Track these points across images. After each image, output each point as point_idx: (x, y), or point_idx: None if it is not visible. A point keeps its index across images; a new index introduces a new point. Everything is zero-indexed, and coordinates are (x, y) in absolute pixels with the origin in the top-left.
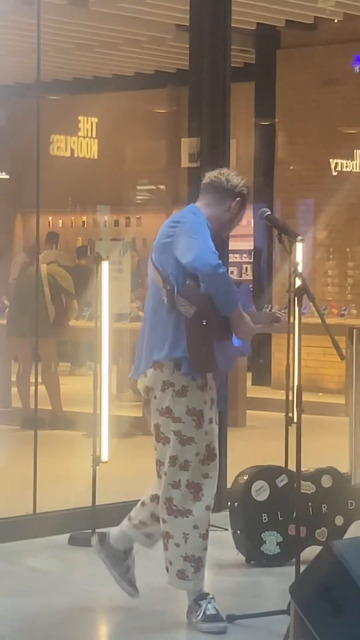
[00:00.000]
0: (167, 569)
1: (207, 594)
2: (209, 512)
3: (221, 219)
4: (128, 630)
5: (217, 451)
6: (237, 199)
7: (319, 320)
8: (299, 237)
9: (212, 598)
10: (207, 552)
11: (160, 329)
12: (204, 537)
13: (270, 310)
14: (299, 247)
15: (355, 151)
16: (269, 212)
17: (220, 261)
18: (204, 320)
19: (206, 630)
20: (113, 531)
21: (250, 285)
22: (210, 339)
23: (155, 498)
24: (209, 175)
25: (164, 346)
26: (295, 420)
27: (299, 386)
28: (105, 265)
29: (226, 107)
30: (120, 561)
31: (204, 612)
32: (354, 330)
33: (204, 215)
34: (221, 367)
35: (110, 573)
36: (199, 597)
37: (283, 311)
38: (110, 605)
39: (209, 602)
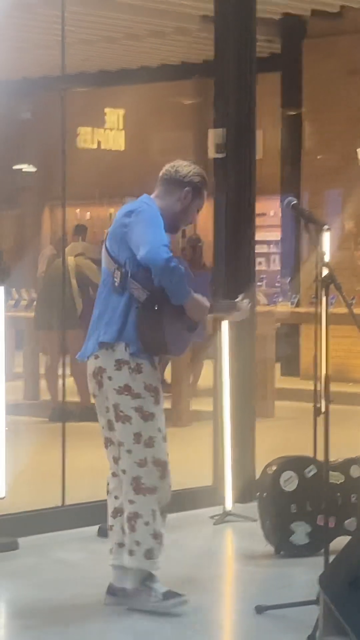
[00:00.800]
0: (130, 552)
1: (153, 575)
2: (170, 488)
3: (173, 209)
4: (158, 621)
5: None
6: (187, 188)
7: (347, 310)
8: (326, 226)
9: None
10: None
11: (110, 312)
12: (165, 510)
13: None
14: (326, 237)
15: None
16: (295, 202)
17: (171, 254)
18: (156, 305)
19: (172, 607)
20: (112, 580)
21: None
22: (161, 323)
23: (117, 512)
24: (163, 169)
25: (113, 328)
26: (323, 410)
27: (326, 376)
28: None
29: (252, 98)
30: (142, 588)
31: (159, 591)
32: None
33: (157, 206)
34: (172, 351)
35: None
36: (149, 578)
37: (245, 300)
38: None
39: (157, 581)
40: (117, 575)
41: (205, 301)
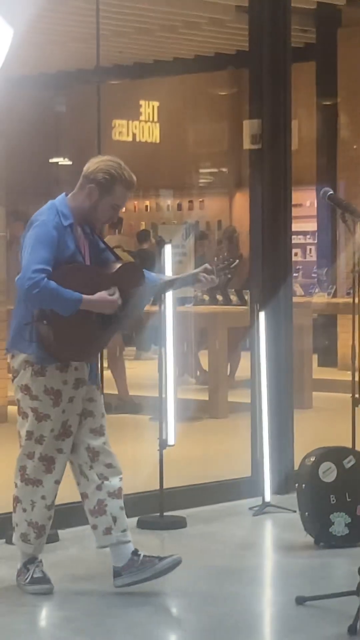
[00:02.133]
0: (14, 528)
1: (36, 559)
2: (57, 485)
3: (83, 207)
4: (198, 612)
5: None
6: (91, 185)
7: None
8: None
9: (40, 562)
10: (51, 521)
11: (17, 320)
12: (50, 507)
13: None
14: None
15: None
16: (332, 192)
17: (34, 279)
18: (44, 320)
19: (32, 592)
20: (112, 562)
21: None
22: (57, 335)
23: (82, 497)
24: None
25: (18, 339)
26: None
27: None
28: (168, 249)
29: (287, 88)
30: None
31: (31, 575)
32: None
33: (66, 208)
34: (83, 356)
35: (145, 579)
36: (29, 561)
37: (203, 274)
38: (180, 588)
39: (37, 566)
40: (112, 556)
41: (104, 296)
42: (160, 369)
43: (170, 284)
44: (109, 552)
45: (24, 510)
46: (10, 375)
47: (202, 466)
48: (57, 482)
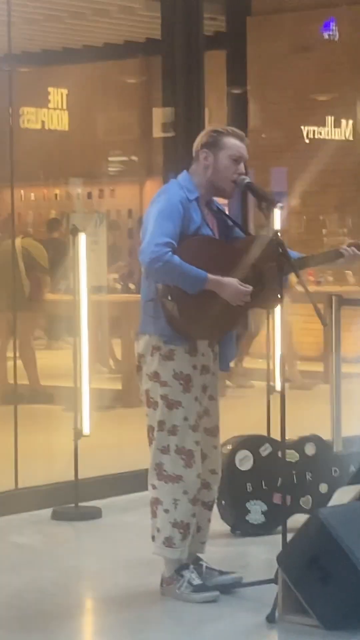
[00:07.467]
0: (153, 537)
1: (189, 565)
2: (199, 480)
3: (207, 177)
4: (114, 603)
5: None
6: (203, 150)
7: (301, 289)
8: (279, 204)
9: (194, 567)
10: (195, 519)
11: (144, 299)
12: (193, 502)
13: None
14: (277, 214)
15: (327, 118)
16: (249, 181)
17: (157, 253)
18: (169, 296)
19: (200, 600)
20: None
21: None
22: (184, 311)
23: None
24: None
25: (146, 318)
26: (278, 389)
27: (281, 355)
28: (82, 238)
29: (200, 76)
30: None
31: (190, 582)
32: (333, 297)
33: (190, 183)
34: (208, 335)
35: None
36: (181, 567)
37: (346, 247)
38: (96, 579)
39: (192, 572)
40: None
41: (234, 284)
42: (75, 359)
43: (310, 259)
44: (21, 545)
45: (166, 511)
46: (136, 363)
47: (117, 456)
48: (199, 477)
